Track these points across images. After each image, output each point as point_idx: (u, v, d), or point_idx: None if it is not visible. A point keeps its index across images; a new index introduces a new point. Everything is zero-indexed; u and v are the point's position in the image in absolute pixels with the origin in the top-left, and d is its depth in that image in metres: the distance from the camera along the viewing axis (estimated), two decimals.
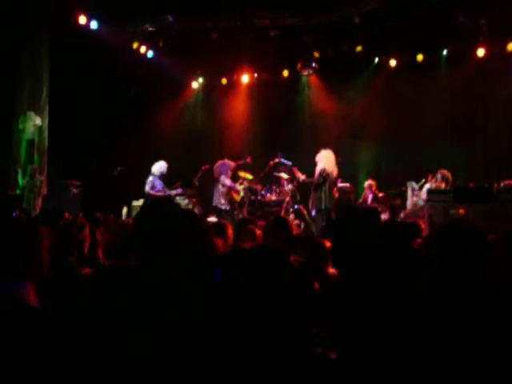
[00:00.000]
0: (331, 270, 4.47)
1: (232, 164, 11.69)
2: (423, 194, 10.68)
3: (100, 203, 11.30)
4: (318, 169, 10.57)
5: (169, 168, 11.60)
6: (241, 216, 11.10)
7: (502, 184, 9.71)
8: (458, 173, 10.70)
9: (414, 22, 11.56)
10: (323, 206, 10.33)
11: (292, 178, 12.05)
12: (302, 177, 11.18)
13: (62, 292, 3.19)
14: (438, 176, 10.45)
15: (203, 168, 12.16)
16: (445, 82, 12.43)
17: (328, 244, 4.85)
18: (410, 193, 11.07)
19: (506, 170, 10.65)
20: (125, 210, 12.44)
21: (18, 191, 11.41)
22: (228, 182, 11.48)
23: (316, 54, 13.55)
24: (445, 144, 11.95)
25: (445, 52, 12.82)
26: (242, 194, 11.95)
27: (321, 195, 10.43)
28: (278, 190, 12.23)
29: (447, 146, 11.84)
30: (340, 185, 11.53)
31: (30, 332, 2.43)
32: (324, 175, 10.40)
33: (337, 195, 11.07)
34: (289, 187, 12.14)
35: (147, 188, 11.58)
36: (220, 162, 11.70)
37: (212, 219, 10.26)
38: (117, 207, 12.00)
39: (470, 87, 12.22)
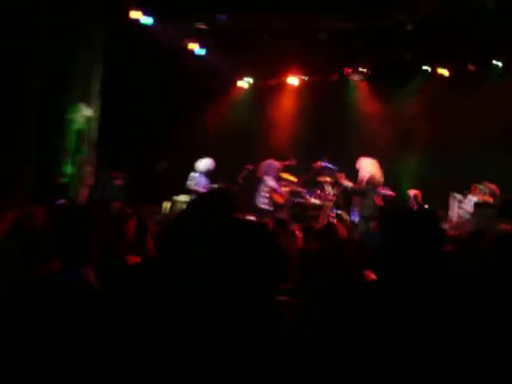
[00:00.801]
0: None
1: (278, 165, 11.73)
2: (467, 206, 10.60)
3: (144, 196, 11.44)
4: (363, 176, 10.58)
5: (215, 166, 11.72)
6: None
7: None
8: (505, 188, 10.59)
9: (468, 32, 11.44)
10: (368, 213, 10.34)
11: (335, 183, 12.05)
12: (349, 184, 11.19)
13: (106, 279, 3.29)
14: (486, 189, 10.37)
15: (247, 167, 12.21)
16: (495, 94, 12.27)
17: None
18: (452, 204, 10.98)
19: None
20: (166, 204, 12.53)
21: (65, 180, 11.58)
22: (272, 183, 11.53)
23: (365, 60, 13.54)
24: (492, 157, 11.79)
25: (497, 63, 12.68)
26: (286, 196, 11.94)
27: (367, 202, 10.44)
28: (320, 194, 12.21)
29: (495, 160, 11.67)
30: (383, 192, 11.48)
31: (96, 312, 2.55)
32: (371, 182, 10.42)
33: (381, 203, 11.03)
34: (332, 192, 12.14)
35: (189, 183, 11.69)
36: (266, 161, 11.75)
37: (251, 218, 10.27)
38: (160, 201, 12.11)
39: None
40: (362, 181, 10.88)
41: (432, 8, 11.74)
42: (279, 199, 11.76)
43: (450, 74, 13.24)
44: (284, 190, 11.93)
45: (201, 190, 11.46)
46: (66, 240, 3.14)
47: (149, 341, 2.39)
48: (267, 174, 11.70)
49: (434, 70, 13.44)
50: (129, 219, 4.78)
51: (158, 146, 13.07)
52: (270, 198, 11.69)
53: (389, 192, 11.69)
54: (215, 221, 2.73)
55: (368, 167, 10.89)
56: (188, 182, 11.83)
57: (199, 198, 3.21)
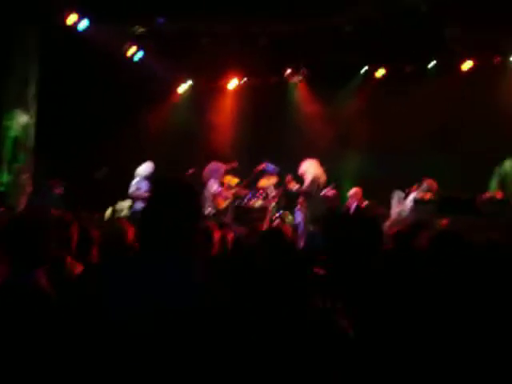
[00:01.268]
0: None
1: (223, 168, 11.72)
2: (408, 203, 10.77)
3: (84, 204, 11.27)
4: (308, 177, 10.66)
5: (155, 170, 11.63)
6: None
7: (485, 196, 9.82)
8: (441, 183, 10.80)
9: (404, 33, 11.66)
10: (313, 214, 10.42)
11: (278, 184, 12.09)
12: (295, 186, 11.25)
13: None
14: (424, 186, 10.55)
15: (190, 171, 12.15)
16: (430, 94, 12.53)
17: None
18: (394, 202, 11.13)
19: (485, 182, 10.81)
20: (108, 211, 12.37)
21: (1, 188, 11.34)
22: (215, 187, 11.50)
23: (304, 62, 13.66)
24: (429, 154, 12.04)
25: (432, 64, 12.94)
26: (230, 199, 11.89)
27: (311, 203, 10.53)
28: (263, 196, 12.21)
29: (431, 157, 11.91)
30: (325, 192, 11.55)
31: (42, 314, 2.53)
32: (317, 183, 10.52)
33: (326, 203, 11.10)
34: (273, 193, 12.16)
35: (131, 190, 11.60)
36: (212, 164, 11.69)
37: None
38: (101, 208, 11.95)
39: (455, 100, 12.36)
40: (308, 183, 10.94)
41: (369, 10, 11.91)
42: (222, 203, 11.73)
43: (388, 75, 13.45)
44: (227, 193, 11.89)
45: (142, 195, 11.38)
46: (18, 245, 3.15)
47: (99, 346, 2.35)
48: (212, 177, 11.66)
49: (372, 70, 13.63)
50: (71, 226, 4.73)
51: (98, 152, 12.88)
52: (213, 202, 11.65)
53: (332, 191, 11.77)
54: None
55: (311, 169, 10.97)
56: (130, 189, 11.72)
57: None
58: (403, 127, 12.35)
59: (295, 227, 11.37)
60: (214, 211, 11.58)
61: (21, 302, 2.73)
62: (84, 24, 11.72)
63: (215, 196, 11.59)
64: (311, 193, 10.78)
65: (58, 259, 4.09)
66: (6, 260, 3.20)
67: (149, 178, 11.72)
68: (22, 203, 11.23)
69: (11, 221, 3.45)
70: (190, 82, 14.90)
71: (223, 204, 11.70)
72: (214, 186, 11.56)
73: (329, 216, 10.27)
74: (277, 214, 11.91)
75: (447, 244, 3.71)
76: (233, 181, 12.36)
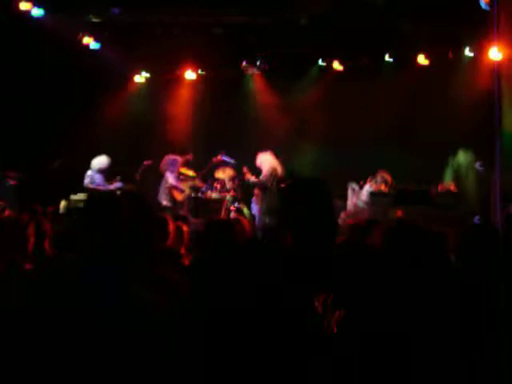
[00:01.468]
0: None
1: (180, 160, 11.65)
2: (363, 195, 10.89)
3: (38, 196, 11.11)
4: (265, 170, 10.69)
5: (111, 162, 11.53)
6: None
7: (439, 188, 9.99)
8: (396, 175, 10.95)
9: (360, 27, 11.73)
10: (269, 207, 10.46)
11: (234, 176, 12.10)
12: (251, 178, 11.27)
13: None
14: (378, 178, 10.69)
15: (145, 163, 12.08)
16: (386, 87, 12.67)
17: None
18: (350, 194, 11.24)
19: (440, 174, 10.99)
20: (63, 203, 12.22)
21: None
22: (172, 179, 11.45)
23: (260, 54, 13.65)
24: (385, 147, 12.18)
25: (387, 58, 13.04)
26: (187, 192, 11.83)
27: (268, 195, 10.56)
28: (219, 188, 12.20)
29: (387, 149, 12.05)
30: (281, 184, 11.59)
31: None
32: (273, 175, 10.55)
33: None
34: (230, 185, 12.16)
35: (85, 182, 11.51)
36: (169, 157, 11.62)
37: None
38: (55, 200, 11.79)
39: (411, 93, 12.54)
40: (265, 175, 10.97)
41: (325, 3, 11.95)
42: (179, 196, 11.68)
43: (344, 68, 13.51)
44: (183, 185, 11.84)
45: (96, 187, 11.29)
46: None
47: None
48: (169, 169, 11.60)
49: (329, 64, 13.67)
50: (27, 228, 4.66)
51: (53, 144, 12.69)
52: (170, 194, 11.59)
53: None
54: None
55: (268, 161, 11.01)
56: (84, 181, 11.60)
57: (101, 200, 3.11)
58: (359, 120, 12.50)
59: (252, 219, 11.42)
60: (170, 204, 11.53)
61: None
62: (38, 12, 11.49)
63: (171, 188, 11.54)
64: (268, 184, 10.82)
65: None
66: None
67: (103, 171, 11.62)
68: None
69: None
70: (146, 74, 14.73)
71: (180, 197, 11.65)
72: (169, 179, 11.50)
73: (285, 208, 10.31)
74: (233, 206, 11.92)
75: (403, 234, 3.78)
76: (189, 173, 12.31)
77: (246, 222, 5.36)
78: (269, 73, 13.97)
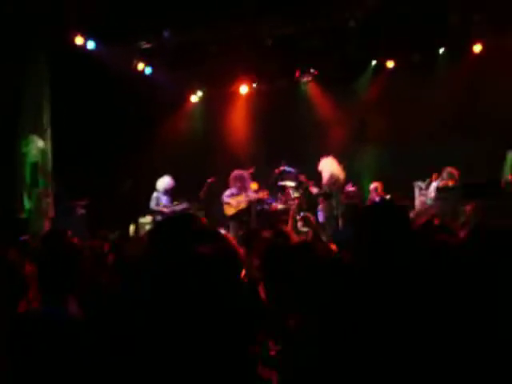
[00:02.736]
0: None
1: (247, 175, 11.54)
2: (430, 192, 10.69)
3: (107, 222, 11.34)
4: (325, 177, 10.62)
5: (175, 182, 11.63)
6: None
7: (509, 178, 9.72)
8: (463, 170, 10.69)
9: (409, 23, 11.58)
10: (334, 213, 10.38)
11: (298, 185, 12.06)
12: (314, 190, 11.23)
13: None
14: (444, 174, 10.47)
15: (209, 181, 12.11)
16: (443, 81, 12.45)
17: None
18: (417, 193, 11.06)
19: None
20: (132, 227, 12.42)
21: (25, 215, 11.38)
22: (225, 195, 11.37)
23: (313, 61, 13.63)
24: (448, 142, 11.94)
25: (441, 50, 12.83)
26: (242, 206, 11.67)
27: (331, 202, 10.49)
28: (283, 199, 12.16)
29: (450, 144, 11.81)
30: (346, 190, 11.50)
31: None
32: (333, 181, 10.47)
33: (345, 201, 11.03)
34: (295, 195, 12.11)
35: (152, 204, 11.61)
36: (237, 173, 11.46)
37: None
38: (124, 225, 12.00)
39: (469, 84, 12.26)
40: (325, 183, 10.89)
41: (372, 4, 11.85)
42: (228, 210, 11.53)
43: (397, 66, 13.36)
44: (234, 200, 11.61)
45: (162, 209, 11.40)
46: (45, 273, 3.22)
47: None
48: (234, 185, 11.46)
49: (381, 63, 13.55)
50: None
51: (116, 169, 12.93)
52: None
53: (351, 188, 11.72)
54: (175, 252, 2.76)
55: (329, 167, 10.91)
56: (151, 203, 11.73)
57: (159, 227, 3.21)
58: (418, 117, 12.29)
59: (320, 227, 11.35)
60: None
61: (52, 331, 2.76)
62: (91, 45, 11.81)
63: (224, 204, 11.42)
64: (331, 192, 10.73)
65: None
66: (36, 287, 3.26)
67: (168, 191, 11.72)
68: (45, 228, 11.25)
69: (37, 249, 3.51)
70: (201, 92, 14.90)
71: (229, 211, 11.46)
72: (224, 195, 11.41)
73: (353, 209, 10.24)
74: (299, 216, 11.87)
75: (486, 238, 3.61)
76: (252, 186, 12.29)
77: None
78: (322, 79, 13.92)
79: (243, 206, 11.44)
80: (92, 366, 2.62)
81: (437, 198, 9.94)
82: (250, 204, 11.41)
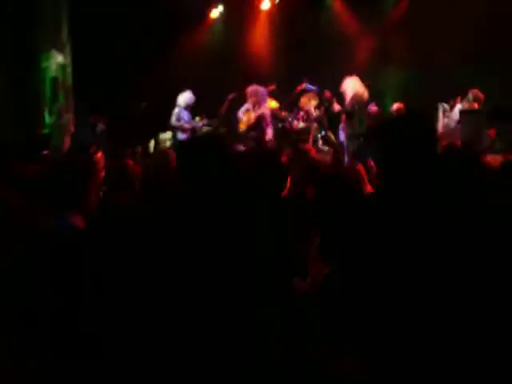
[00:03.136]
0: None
1: (265, 91, 11.33)
2: (454, 114, 10.54)
3: (127, 137, 11.36)
4: (348, 95, 10.45)
5: (196, 98, 11.53)
6: None
7: None
8: (488, 94, 10.45)
9: None
10: (355, 132, 10.30)
11: (320, 103, 11.93)
12: (336, 107, 11.10)
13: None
14: (470, 96, 10.29)
15: (229, 97, 11.98)
16: (474, 4, 11.95)
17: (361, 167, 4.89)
18: (440, 115, 10.90)
19: None
20: (152, 142, 12.44)
21: (46, 130, 11.40)
22: (240, 111, 11.21)
23: None
24: (474, 67, 11.56)
25: None
26: (252, 122, 11.38)
27: (353, 121, 10.38)
28: (304, 117, 12.05)
29: (476, 69, 11.45)
30: (369, 110, 11.34)
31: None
32: (357, 100, 10.33)
33: (367, 121, 10.88)
34: (316, 113, 12.00)
35: (173, 120, 11.53)
36: (254, 88, 11.24)
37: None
38: (144, 141, 12.03)
39: (498, 7, 11.78)
40: (348, 102, 10.71)
41: None
42: (242, 126, 11.35)
43: None
44: (246, 116, 11.39)
45: (179, 124, 11.32)
46: (56, 189, 3.32)
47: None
48: (255, 100, 11.24)
49: None
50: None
51: (136, 84, 12.81)
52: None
53: (374, 108, 11.58)
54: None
55: (352, 86, 10.70)
56: (172, 118, 11.64)
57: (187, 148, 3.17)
58: (443, 41, 11.93)
59: (340, 146, 11.31)
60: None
61: (57, 246, 2.81)
62: None
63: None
64: (353, 111, 10.59)
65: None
66: (47, 202, 3.34)
67: (189, 106, 11.61)
68: (66, 143, 11.31)
69: (51, 165, 3.56)
70: (221, 7, 14.59)
71: (242, 127, 11.26)
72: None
73: (376, 126, 10.09)
74: (320, 135, 11.81)
75: None
76: (272, 103, 12.15)
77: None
78: None
79: (253, 121, 11.05)
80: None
81: (461, 122, 9.80)
82: (260, 119, 10.95)
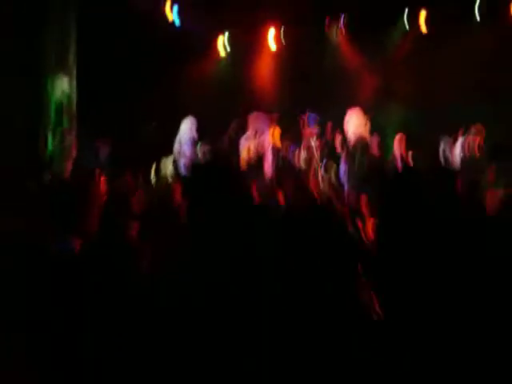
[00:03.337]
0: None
1: (268, 119, 11.38)
2: (456, 149, 10.61)
3: (130, 161, 11.38)
4: (349, 134, 10.53)
5: (199, 125, 11.59)
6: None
7: None
8: (492, 130, 10.56)
9: None
10: (357, 176, 10.32)
11: (320, 135, 11.99)
12: (338, 145, 11.15)
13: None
14: (473, 130, 10.39)
15: (233, 125, 12.02)
16: (476, 40, 12.10)
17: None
18: (441, 148, 10.96)
19: None
20: (153, 168, 12.47)
21: (48, 153, 11.44)
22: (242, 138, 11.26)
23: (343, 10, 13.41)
24: (475, 104, 11.67)
25: (476, 8, 12.48)
26: (251, 154, 11.43)
27: (354, 162, 10.42)
28: (306, 147, 12.09)
29: (478, 106, 11.56)
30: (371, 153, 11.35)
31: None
32: (357, 143, 10.40)
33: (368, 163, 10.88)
34: (317, 143, 12.05)
35: (175, 146, 11.60)
36: (256, 115, 11.29)
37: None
38: (147, 164, 12.06)
39: (503, 45, 11.92)
40: (349, 142, 10.74)
41: None
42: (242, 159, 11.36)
43: (429, 21, 13.06)
44: (245, 148, 11.39)
45: (185, 152, 11.36)
46: (58, 212, 3.34)
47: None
48: (257, 127, 11.29)
49: (412, 16, 13.26)
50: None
51: (141, 111, 12.91)
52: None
53: (376, 150, 11.59)
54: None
55: (353, 126, 10.72)
56: (174, 145, 11.71)
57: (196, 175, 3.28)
58: (447, 77, 12.06)
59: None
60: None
61: (57, 269, 2.86)
62: None
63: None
64: (354, 156, 10.58)
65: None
66: (49, 225, 3.38)
67: (192, 133, 11.67)
68: (68, 167, 11.32)
69: (54, 188, 3.60)
70: (227, 36, 14.73)
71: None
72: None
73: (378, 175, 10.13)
74: (320, 165, 11.84)
75: None
76: (275, 132, 12.20)
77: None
78: (352, 29, 13.70)
79: (252, 155, 11.03)
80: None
81: (462, 156, 9.87)
82: (261, 156, 11.01)
